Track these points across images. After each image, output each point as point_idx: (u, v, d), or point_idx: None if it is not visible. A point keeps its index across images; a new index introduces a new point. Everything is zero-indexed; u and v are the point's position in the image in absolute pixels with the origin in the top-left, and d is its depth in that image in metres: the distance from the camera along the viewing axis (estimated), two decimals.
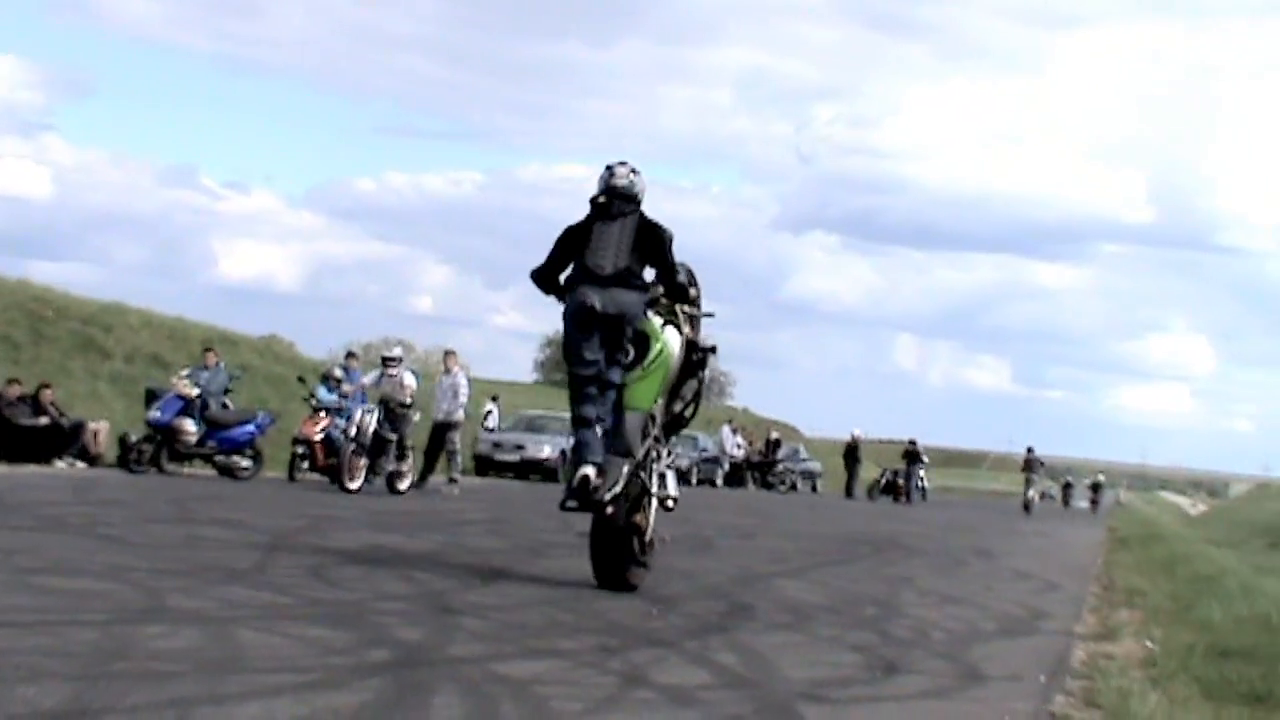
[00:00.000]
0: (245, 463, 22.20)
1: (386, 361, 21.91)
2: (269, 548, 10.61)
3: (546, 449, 35.03)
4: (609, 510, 9.62)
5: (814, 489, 51.12)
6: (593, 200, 9.98)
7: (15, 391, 21.79)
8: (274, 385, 30.18)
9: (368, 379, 22.65)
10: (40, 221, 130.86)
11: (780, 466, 47.15)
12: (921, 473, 47.13)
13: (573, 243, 9.88)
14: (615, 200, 9.96)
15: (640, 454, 9.78)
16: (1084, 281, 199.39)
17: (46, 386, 22.40)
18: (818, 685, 6.82)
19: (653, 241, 9.90)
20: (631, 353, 9.76)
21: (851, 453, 46.18)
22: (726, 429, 47.78)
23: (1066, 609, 12.25)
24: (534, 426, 37.15)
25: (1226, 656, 9.18)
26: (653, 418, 10.02)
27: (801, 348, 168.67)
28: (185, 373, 22.77)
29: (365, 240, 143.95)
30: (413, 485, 22.00)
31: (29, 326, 27.50)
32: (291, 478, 22.95)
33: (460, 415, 24.56)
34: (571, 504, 9.60)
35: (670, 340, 10.04)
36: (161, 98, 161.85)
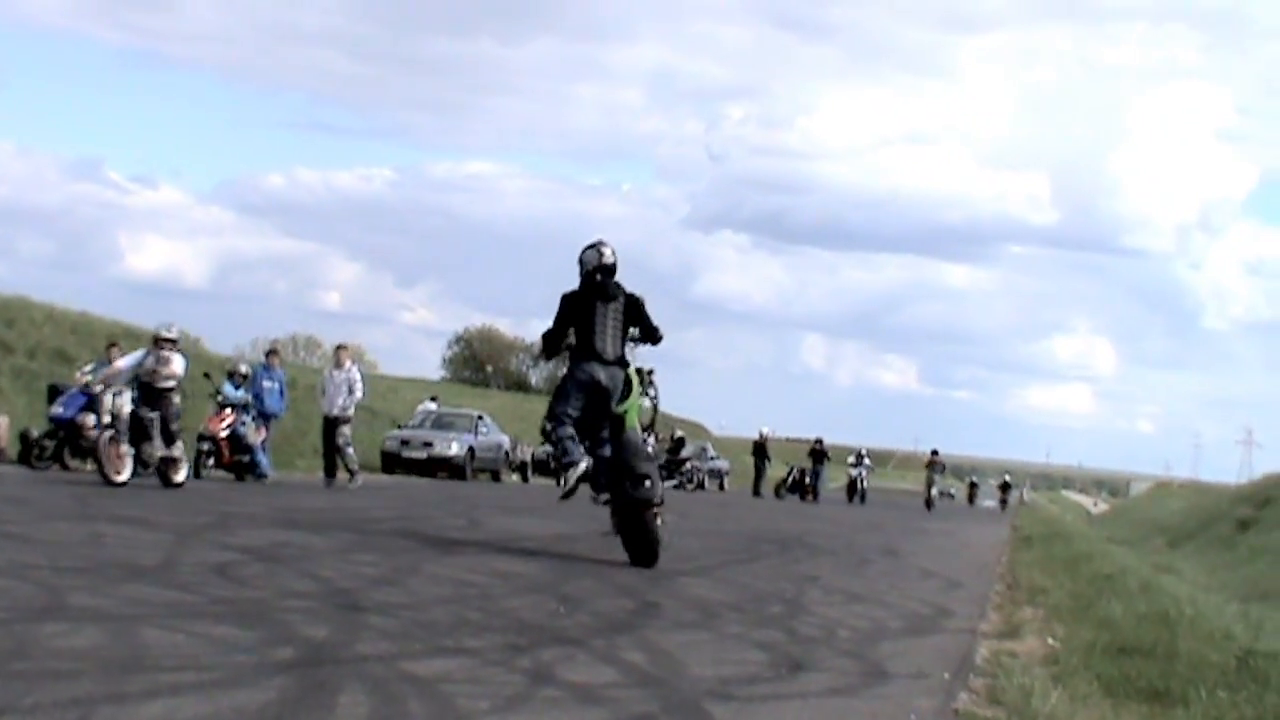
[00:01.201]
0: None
1: (161, 342, 19.28)
2: (173, 545, 10.51)
3: (454, 446, 34.91)
4: (658, 504, 12.41)
5: (721, 487, 51.33)
6: (590, 275, 12.73)
7: None
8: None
9: (125, 361, 19.97)
10: None
11: (687, 464, 47.28)
12: (827, 472, 47.55)
13: (576, 315, 12.70)
14: (609, 279, 12.77)
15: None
16: (990, 282, 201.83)
17: None
18: (725, 683, 6.84)
19: (637, 313, 12.93)
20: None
21: (760, 451, 46.40)
22: None
23: (971, 607, 12.36)
24: (442, 424, 37.05)
25: (1126, 653, 9.30)
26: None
27: (711, 347, 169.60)
28: (89, 368, 22.51)
29: (274, 236, 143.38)
30: (324, 483, 21.86)
31: None
32: (197, 475, 22.74)
33: (352, 411, 24.44)
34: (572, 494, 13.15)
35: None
36: (68, 90, 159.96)
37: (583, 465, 12.60)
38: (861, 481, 45.88)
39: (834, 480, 54.65)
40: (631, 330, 12.94)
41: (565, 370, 13.02)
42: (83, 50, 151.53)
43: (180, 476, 19.00)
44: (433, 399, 41.03)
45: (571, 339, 12.80)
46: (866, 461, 46.65)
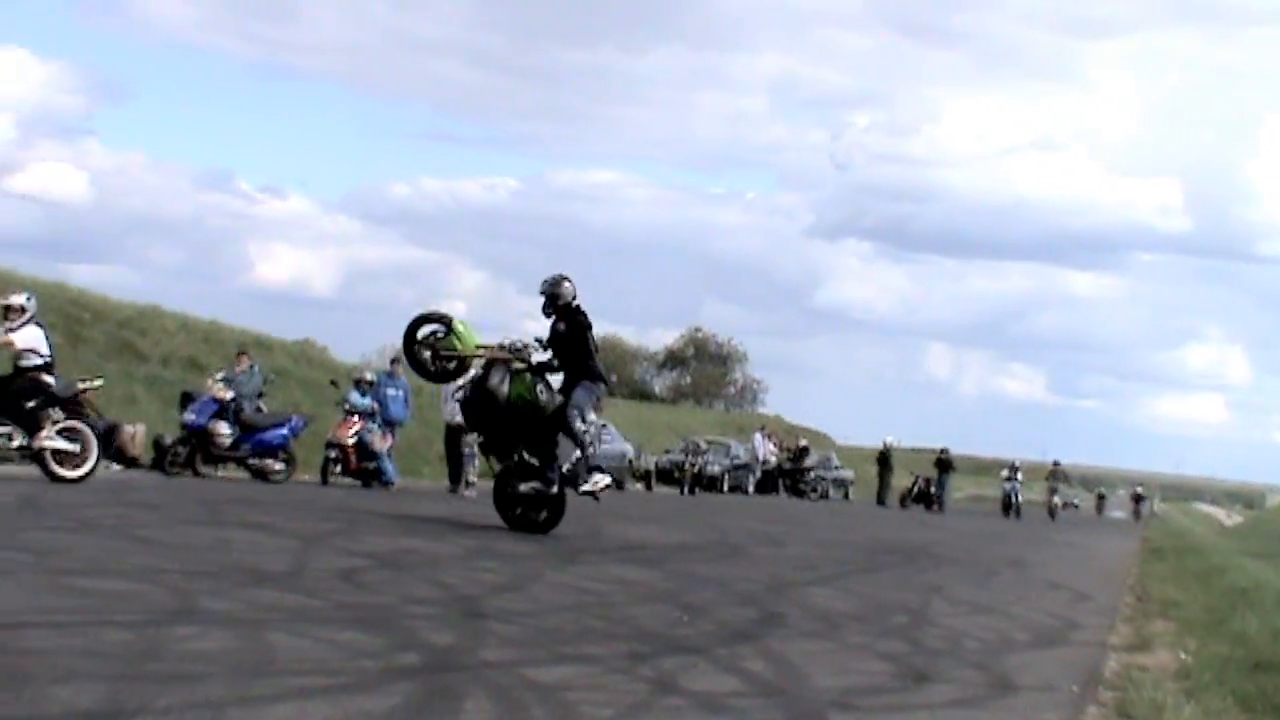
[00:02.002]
0: (278, 466, 22.25)
1: (6, 312, 16.80)
2: (301, 551, 10.63)
3: (577, 454, 34.99)
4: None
5: (845, 496, 50.98)
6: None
7: None
8: (307, 389, 30.27)
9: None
10: (78, 225, 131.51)
11: (811, 474, 47.02)
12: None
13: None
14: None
15: None
16: (1118, 290, 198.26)
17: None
18: (848, 693, 6.79)
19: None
20: None
21: (884, 460, 46.07)
22: (759, 436, 47.72)
23: (1099, 619, 12.18)
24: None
25: (1262, 669, 9.11)
26: None
27: (834, 355, 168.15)
28: (220, 376, 22.83)
29: (400, 245, 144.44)
30: (448, 490, 22.01)
31: (66, 329, 27.63)
32: (324, 481, 23.01)
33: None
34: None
35: None
36: (199, 102, 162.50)
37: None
38: (1016, 495, 44.88)
39: (958, 490, 54.09)
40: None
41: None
42: (213, 63, 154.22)
43: (72, 471, 16.40)
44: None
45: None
46: (1020, 475, 45.64)
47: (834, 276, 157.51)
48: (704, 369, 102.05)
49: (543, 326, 14.60)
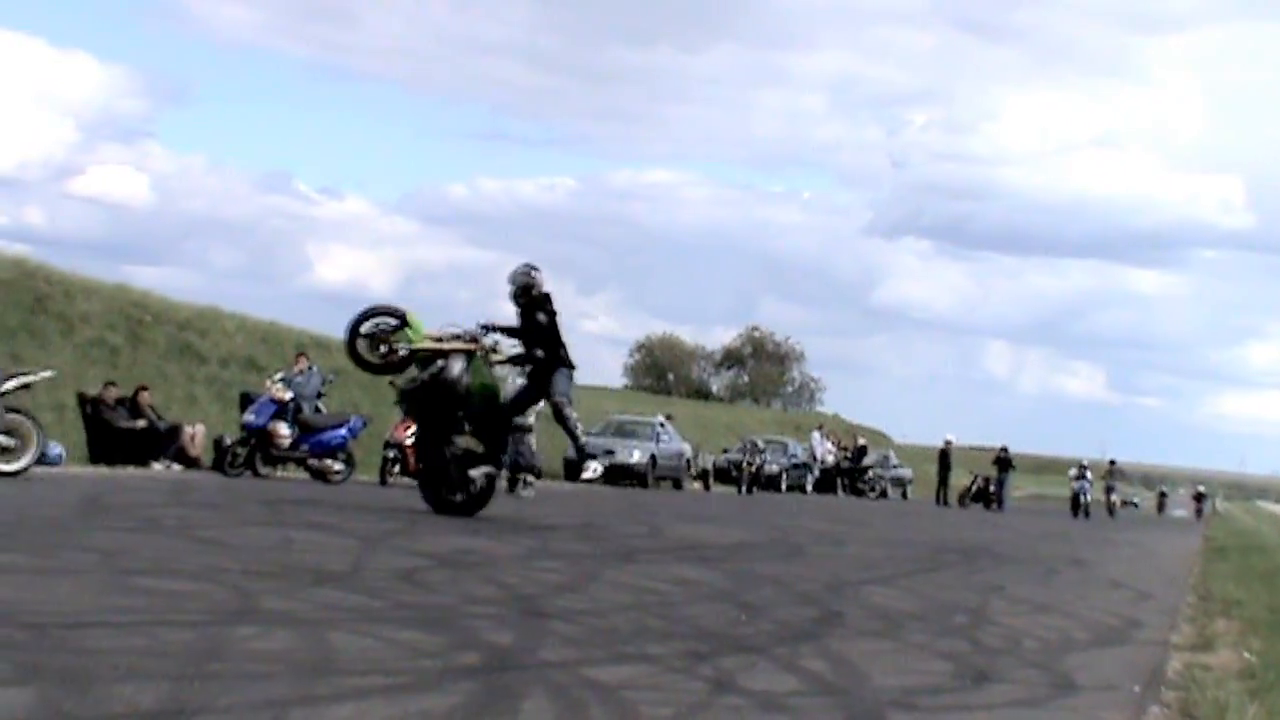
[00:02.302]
0: (338, 466, 22.39)
1: None
2: (361, 551, 10.69)
3: (636, 454, 35.05)
4: None
5: (904, 495, 50.86)
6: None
7: (113, 394, 22.11)
8: (366, 389, 30.39)
9: None
10: (139, 227, 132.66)
11: (870, 473, 46.93)
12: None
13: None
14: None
15: None
16: (1180, 288, 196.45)
17: (144, 389, 22.71)
18: (908, 693, 6.77)
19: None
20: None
21: (944, 459, 45.90)
22: (817, 435, 47.67)
23: (1161, 619, 12.09)
24: (623, 431, 37.19)
25: None
26: None
27: (892, 354, 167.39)
28: (279, 377, 23.00)
29: (458, 246, 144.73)
30: (506, 491, 22.07)
31: (127, 331, 27.88)
32: (383, 481, 23.13)
33: (533, 419, 24.62)
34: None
35: None
36: (259, 104, 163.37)
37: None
38: (1085, 495, 44.13)
39: (1018, 489, 53.81)
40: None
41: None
42: (272, 65, 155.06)
43: (6, 465, 16.18)
44: (668, 417, 41.15)
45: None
46: (1089, 474, 45.02)
47: (892, 275, 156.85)
48: (762, 368, 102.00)
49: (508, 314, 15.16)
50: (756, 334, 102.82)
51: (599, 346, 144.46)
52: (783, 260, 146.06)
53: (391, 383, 23.25)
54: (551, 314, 14.86)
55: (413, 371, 15.05)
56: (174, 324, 29.46)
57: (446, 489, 14.95)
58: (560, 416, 15.11)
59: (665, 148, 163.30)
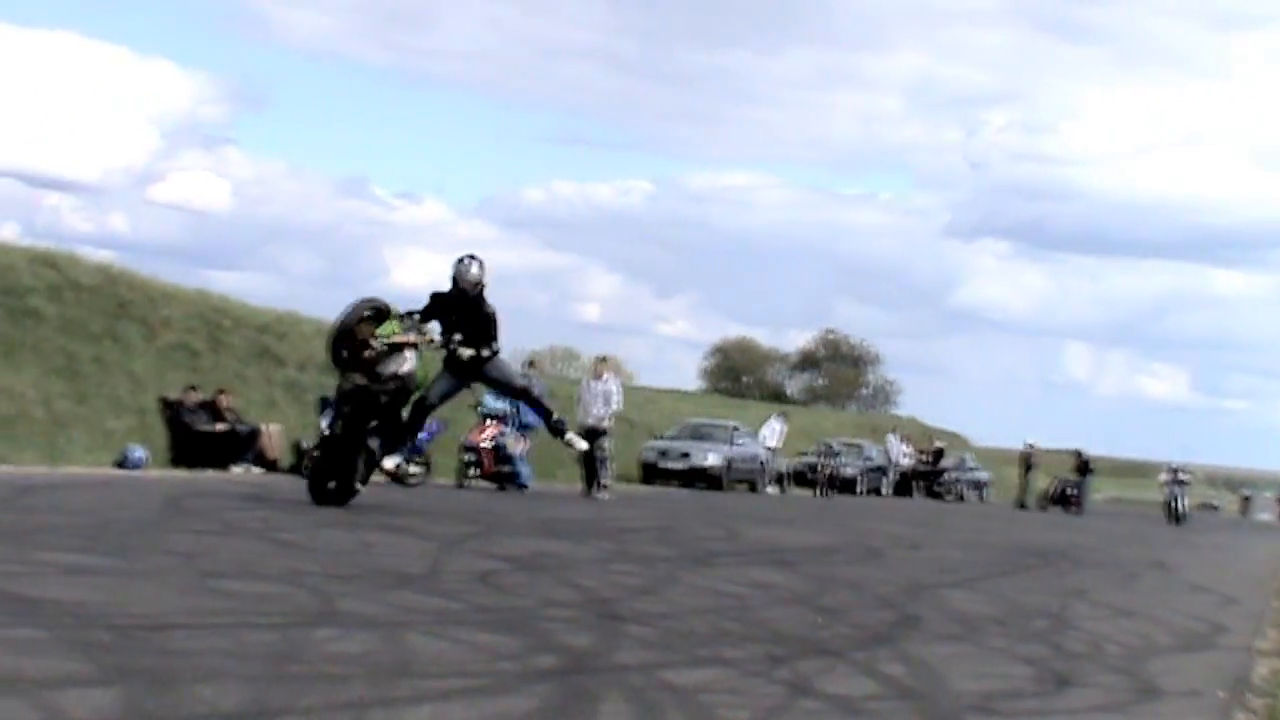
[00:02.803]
0: (415, 469, 22.47)
1: None
2: (439, 554, 10.73)
3: (712, 457, 34.97)
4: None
5: (982, 499, 50.48)
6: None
7: (194, 398, 22.31)
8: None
9: None
10: (219, 233, 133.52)
11: (947, 476, 46.64)
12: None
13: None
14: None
15: None
16: (1265, 288, 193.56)
17: (223, 392, 22.90)
18: (988, 698, 6.72)
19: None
20: None
21: (1025, 462, 45.55)
22: (893, 438, 47.41)
23: (1247, 624, 11.95)
24: (700, 434, 37.10)
25: None
26: None
27: (971, 356, 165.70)
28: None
29: (534, 249, 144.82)
30: (583, 493, 22.19)
31: (207, 335, 28.16)
32: (460, 484, 23.22)
33: (609, 422, 24.70)
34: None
35: None
36: (336, 110, 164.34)
37: None
38: (1179, 500, 43.28)
39: (1098, 492, 53.30)
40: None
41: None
42: (350, 71, 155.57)
43: None
44: (782, 414, 41.11)
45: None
46: (1182, 477, 44.19)
47: (970, 277, 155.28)
48: (838, 371, 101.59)
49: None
50: (832, 336, 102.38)
51: (675, 349, 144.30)
52: (859, 262, 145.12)
53: (468, 385, 23.34)
54: (490, 306, 14.82)
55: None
56: (253, 328, 29.72)
57: (338, 480, 14.47)
58: (529, 395, 15.57)
59: (741, 150, 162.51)
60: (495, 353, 14.86)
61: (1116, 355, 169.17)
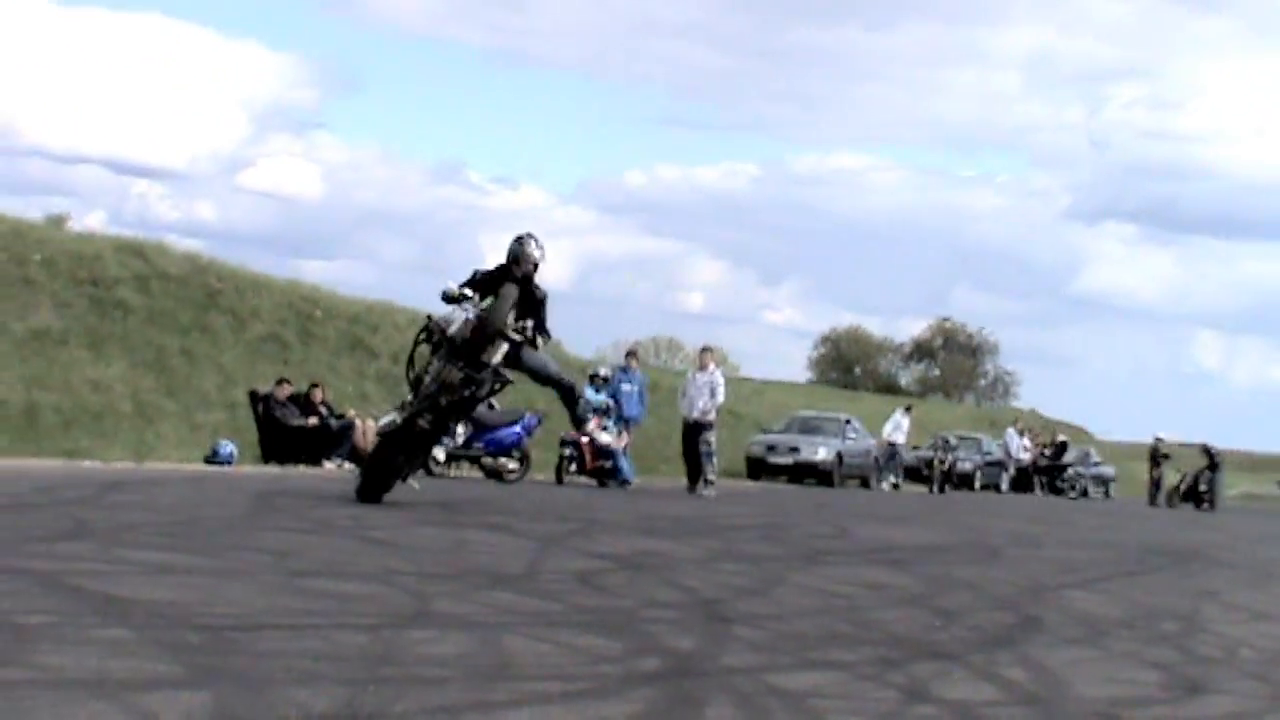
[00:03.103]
0: (512, 465, 22.61)
1: None
2: (537, 552, 10.77)
3: (822, 451, 34.89)
4: None
5: (1106, 495, 50.00)
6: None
7: (285, 391, 22.56)
8: (541, 386, 30.69)
9: None
10: (310, 220, 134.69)
11: (1070, 471, 46.21)
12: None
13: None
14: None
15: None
16: None
17: (316, 386, 23.14)
18: (1114, 704, 6.64)
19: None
20: None
21: (1154, 457, 45.03)
22: (1012, 431, 47.05)
23: None
24: (808, 428, 37.03)
25: None
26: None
27: (1094, 345, 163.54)
28: None
29: (635, 235, 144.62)
30: (687, 489, 22.21)
31: (298, 326, 28.46)
32: (559, 480, 23.32)
33: (714, 415, 24.66)
34: None
35: None
36: (430, 93, 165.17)
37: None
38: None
39: (1231, 487, 52.59)
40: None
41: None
42: (445, 52, 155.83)
43: None
44: (907, 409, 40.96)
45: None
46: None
47: (1094, 261, 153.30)
48: (953, 361, 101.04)
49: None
50: (948, 325, 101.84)
51: (782, 339, 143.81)
52: (976, 247, 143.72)
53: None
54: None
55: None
56: (345, 319, 30.01)
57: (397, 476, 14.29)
58: (562, 385, 15.23)
59: (852, 131, 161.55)
60: (547, 339, 14.65)
61: (1250, 343, 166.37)
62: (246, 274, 29.13)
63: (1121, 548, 18.71)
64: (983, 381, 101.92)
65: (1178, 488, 45.04)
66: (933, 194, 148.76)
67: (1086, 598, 11.37)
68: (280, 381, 22.91)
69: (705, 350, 26.41)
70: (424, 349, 14.18)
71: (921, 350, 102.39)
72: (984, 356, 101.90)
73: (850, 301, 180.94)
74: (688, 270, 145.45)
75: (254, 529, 11.01)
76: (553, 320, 14.54)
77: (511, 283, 13.98)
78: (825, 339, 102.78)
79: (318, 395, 22.84)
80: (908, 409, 40.99)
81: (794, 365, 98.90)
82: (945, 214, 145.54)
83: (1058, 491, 44.65)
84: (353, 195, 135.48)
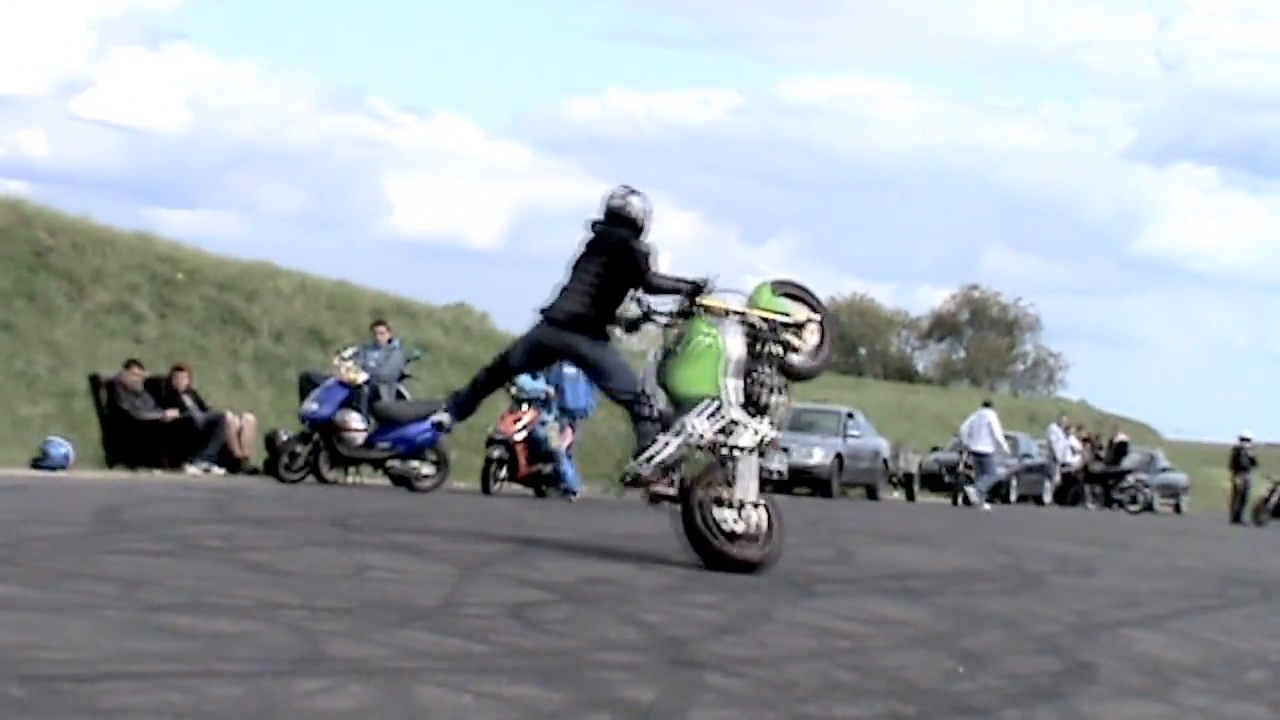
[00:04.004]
0: (427, 469, 22.58)
1: None
2: (457, 580, 10.78)
3: (817, 453, 35.01)
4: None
5: (1177, 508, 50.33)
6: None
7: (136, 377, 22.43)
8: (464, 368, 30.69)
9: None
10: (168, 158, 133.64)
11: (1130, 478, 46.48)
12: None
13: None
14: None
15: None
16: None
17: (181, 370, 23.04)
18: None
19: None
20: None
21: (1238, 462, 45.19)
22: (1056, 428, 47.26)
23: None
24: (801, 424, 37.06)
25: None
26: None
27: (1164, 320, 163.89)
28: (350, 353, 23.20)
29: (583, 180, 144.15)
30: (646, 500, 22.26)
31: (153, 294, 28.37)
32: (486, 489, 23.30)
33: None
34: None
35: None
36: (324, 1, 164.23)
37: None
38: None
39: None
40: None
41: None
42: None
43: None
44: (987, 404, 40.57)
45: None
46: None
47: (1163, 214, 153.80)
48: (983, 339, 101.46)
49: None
50: (977, 295, 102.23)
51: None
52: (1014, 196, 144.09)
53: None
54: None
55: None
56: (214, 284, 29.95)
57: None
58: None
59: (858, 49, 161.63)
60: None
61: None
62: (86, 227, 29.01)
63: (1195, 575, 18.84)
64: (1020, 366, 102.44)
65: (1267, 500, 45.36)
66: (960, 129, 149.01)
67: (1151, 639, 11.45)
68: (130, 364, 22.82)
69: (670, 326, 26.40)
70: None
71: (944, 326, 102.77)
72: (1022, 334, 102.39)
73: (854, 265, 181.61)
74: (650, 224, 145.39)
75: (97, 551, 10.97)
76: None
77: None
78: None
79: (179, 381, 22.78)
80: (988, 404, 40.18)
81: None
82: (976, 154, 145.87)
83: (1115, 504, 44.91)
84: (223, 127, 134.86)
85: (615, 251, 13.86)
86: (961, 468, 38.83)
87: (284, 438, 22.31)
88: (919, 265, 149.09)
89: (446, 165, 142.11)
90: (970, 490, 37.06)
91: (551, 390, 24.36)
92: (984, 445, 37.92)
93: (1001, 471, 39.91)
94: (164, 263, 29.53)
